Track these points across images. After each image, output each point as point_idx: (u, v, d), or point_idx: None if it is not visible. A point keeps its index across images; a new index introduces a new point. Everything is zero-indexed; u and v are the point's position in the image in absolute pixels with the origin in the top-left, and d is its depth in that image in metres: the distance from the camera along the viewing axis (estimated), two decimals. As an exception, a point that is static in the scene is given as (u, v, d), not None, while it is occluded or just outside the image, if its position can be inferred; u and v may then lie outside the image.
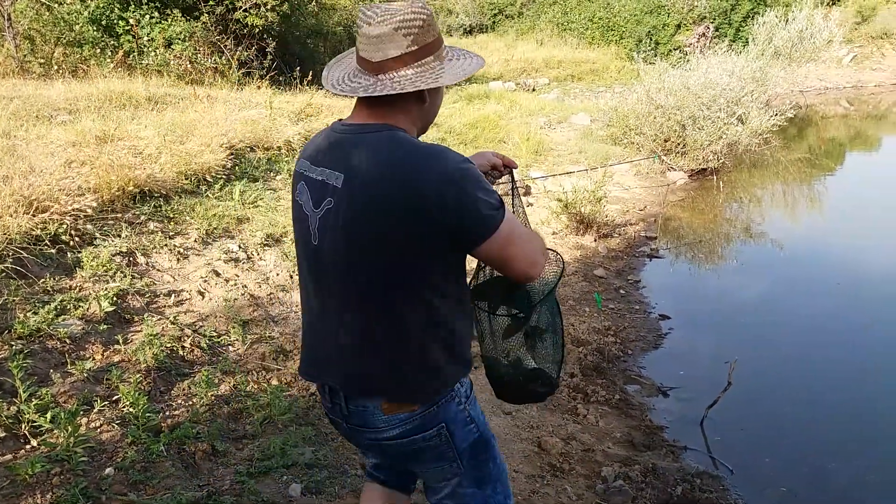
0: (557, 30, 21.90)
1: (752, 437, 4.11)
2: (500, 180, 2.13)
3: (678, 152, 10.06)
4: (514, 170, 2.12)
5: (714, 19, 20.14)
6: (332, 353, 1.74)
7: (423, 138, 1.77)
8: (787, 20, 15.04)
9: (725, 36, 19.28)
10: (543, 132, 11.24)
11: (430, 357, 1.68)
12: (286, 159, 6.88)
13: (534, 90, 16.99)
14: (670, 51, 18.57)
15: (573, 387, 4.42)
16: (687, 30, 20.21)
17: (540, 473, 3.41)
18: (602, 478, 3.49)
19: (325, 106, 8.86)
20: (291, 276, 4.87)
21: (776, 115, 10.32)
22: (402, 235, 1.56)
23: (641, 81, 10.85)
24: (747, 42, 15.85)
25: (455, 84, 1.69)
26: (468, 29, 24.04)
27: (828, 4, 20.44)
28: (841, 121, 16.19)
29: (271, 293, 4.64)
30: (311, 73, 9.71)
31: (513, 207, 2.05)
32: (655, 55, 17.00)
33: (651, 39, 19.97)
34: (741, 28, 19.58)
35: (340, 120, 1.74)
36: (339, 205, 1.61)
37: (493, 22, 24.38)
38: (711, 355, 4.97)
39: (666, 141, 10.13)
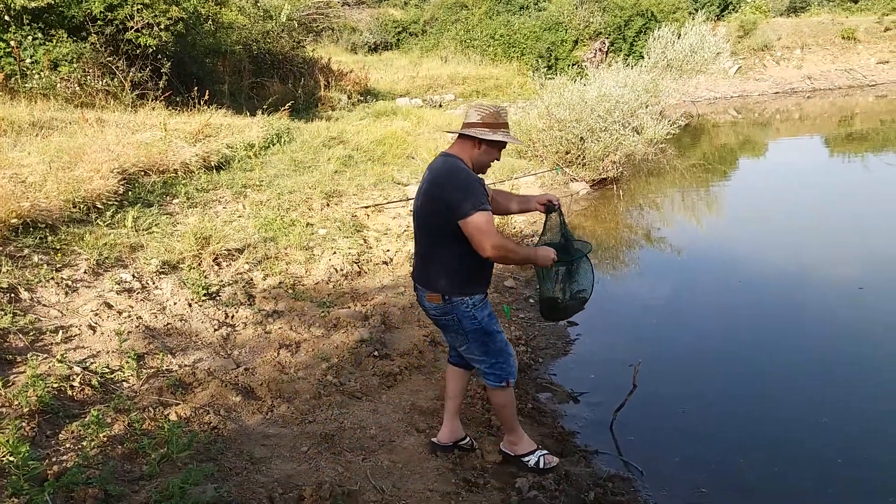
0: (461, 47, 22.21)
1: (661, 436, 4.20)
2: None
3: (579, 164, 10.35)
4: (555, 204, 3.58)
5: (609, 35, 20.95)
6: (417, 265, 3.37)
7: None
8: (679, 35, 15.80)
9: (620, 51, 20.09)
10: (451, 147, 11.31)
11: (451, 277, 3.22)
12: (183, 182, 6.63)
13: (440, 106, 17.14)
14: (569, 66, 19.14)
15: (486, 399, 4.41)
16: (584, 45, 20.93)
17: (455, 490, 3.37)
18: (517, 489, 3.48)
19: (225, 125, 8.62)
20: (190, 305, 4.67)
21: (670, 124, 10.79)
22: (439, 206, 3.11)
23: (541, 97, 11.11)
24: (641, 56, 16.55)
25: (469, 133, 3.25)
26: (373, 46, 24.06)
27: (714, 20, 21.64)
28: (730, 128, 17.14)
29: (168, 323, 4.43)
30: (207, 93, 9.42)
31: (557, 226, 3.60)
32: (554, 71, 17.49)
33: (551, 55, 20.55)
34: (635, 43, 20.44)
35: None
36: (422, 188, 3.24)
37: (398, 39, 24.50)
38: (619, 358, 5.07)
39: (567, 153, 10.41)
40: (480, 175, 3.28)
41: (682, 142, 14.04)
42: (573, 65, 19.35)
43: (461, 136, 3.21)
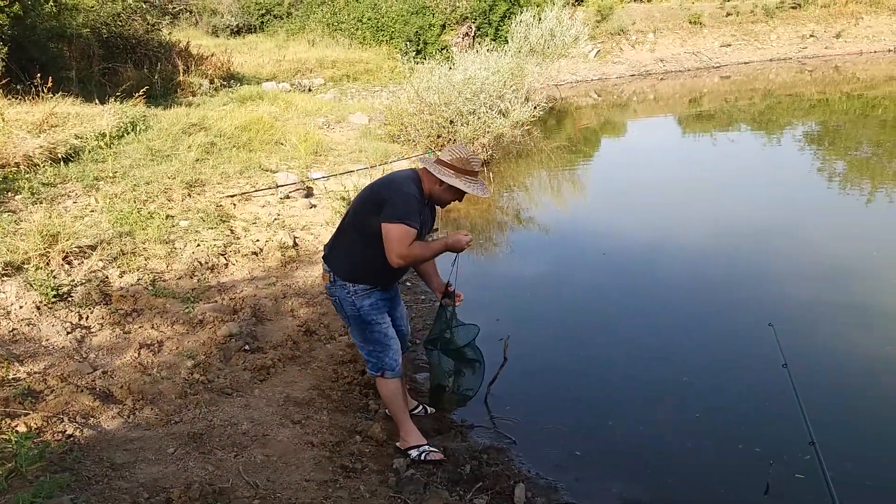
0: (328, 30, 21.79)
1: (535, 406, 4.36)
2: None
3: (451, 147, 10.48)
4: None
5: (475, 20, 21.25)
6: (330, 240, 3.59)
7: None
8: (539, 19, 16.26)
9: (486, 35, 20.43)
10: (322, 132, 11.13)
11: (345, 262, 3.42)
12: (26, 176, 6.12)
13: (310, 90, 16.76)
14: (438, 50, 19.28)
15: (363, 384, 4.43)
16: (452, 30, 21.13)
17: (332, 478, 3.35)
18: (394, 470, 3.53)
19: (73, 114, 8.02)
20: (38, 308, 4.33)
21: (533, 107, 11.15)
22: (370, 199, 3.33)
23: (411, 81, 11.15)
24: (507, 40, 16.91)
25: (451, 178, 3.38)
26: (235, 29, 23.11)
27: (573, 4, 22.45)
28: (592, 110, 17.92)
29: (14, 329, 4.09)
30: (52, 80, 8.70)
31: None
32: (423, 55, 17.56)
33: (419, 39, 20.59)
34: (500, 27, 20.84)
35: None
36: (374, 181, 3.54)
37: (262, 22, 23.67)
38: (492, 335, 5.19)
39: (438, 137, 10.52)
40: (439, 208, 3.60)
41: (547, 124, 14.54)
42: (442, 49, 19.50)
43: (427, 166, 3.36)
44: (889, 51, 22.17)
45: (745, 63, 22.64)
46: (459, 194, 3.39)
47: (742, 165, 10.90)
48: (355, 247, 3.38)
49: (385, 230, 3.18)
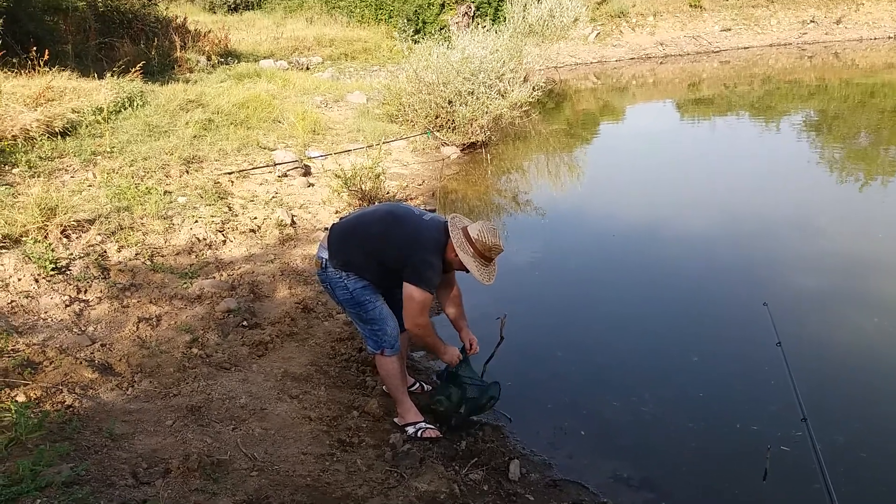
0: (326, 7, 21.65)
1: (533, 385, 4.40)
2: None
3: (449, 128, 10.47)
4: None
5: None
6: (337, 234, 3.51)
7: None
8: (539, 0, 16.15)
9: (486, 15, 20.31)
10: (320, 111, 11.10)
11: (348, 260, 3.41)
12: (24, 149, 6.10)
13: (307, 69, 16.68)
14: (437, 29, 19.16)
15: (361, 361, 4.45)
16: (451, 9, 20.98)
17: (329, 451, 3.39)
18: (391, 445, 3.56)
19: (70, 88, 7.97)
20: (37, 280, 4.34)
21: (532, 88, 11.11)
22: (395, 252, 3.38)
23: (409, 60, 11.09)
24: (507, 20, 16.81)
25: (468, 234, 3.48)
26: (233, 6, 22.93)
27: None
28: (591, 94, 17.86)
29: (13, 301, 4.10)
30: (47, 52, 8.63)
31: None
32: (422, 34, 17.44)
33: (418, 18, 20.46)
34: (500, 7, 20.71)
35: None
36: (400, 214, 3.52)
37: (260, -1, 23.50)
38: (489, 314, 5.23)
39: (437, 117, 10.49)
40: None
41: (546, 107, 14.50)
42: (441, 28, 19.37)
43: (452, 230, 3.40)
44: (889, 38, 22.10)
45: (745, 48, 22.55)
46: (465, 268, 3.45)
47: (740, 151, 10.90)
48: (366, 265, 3.43)
49: (407, 290, 3.31)
